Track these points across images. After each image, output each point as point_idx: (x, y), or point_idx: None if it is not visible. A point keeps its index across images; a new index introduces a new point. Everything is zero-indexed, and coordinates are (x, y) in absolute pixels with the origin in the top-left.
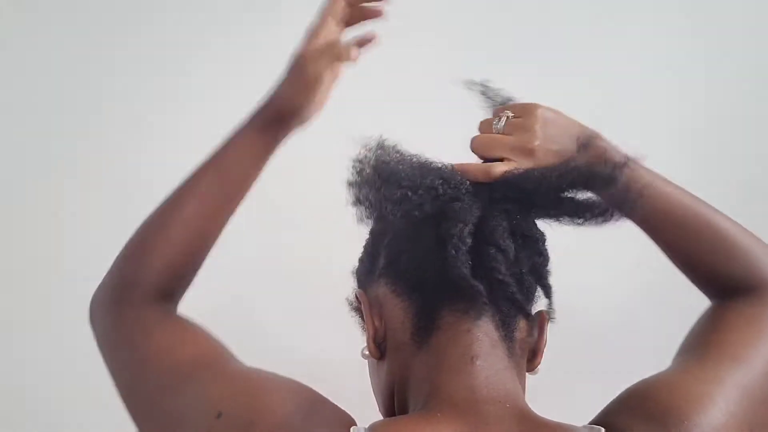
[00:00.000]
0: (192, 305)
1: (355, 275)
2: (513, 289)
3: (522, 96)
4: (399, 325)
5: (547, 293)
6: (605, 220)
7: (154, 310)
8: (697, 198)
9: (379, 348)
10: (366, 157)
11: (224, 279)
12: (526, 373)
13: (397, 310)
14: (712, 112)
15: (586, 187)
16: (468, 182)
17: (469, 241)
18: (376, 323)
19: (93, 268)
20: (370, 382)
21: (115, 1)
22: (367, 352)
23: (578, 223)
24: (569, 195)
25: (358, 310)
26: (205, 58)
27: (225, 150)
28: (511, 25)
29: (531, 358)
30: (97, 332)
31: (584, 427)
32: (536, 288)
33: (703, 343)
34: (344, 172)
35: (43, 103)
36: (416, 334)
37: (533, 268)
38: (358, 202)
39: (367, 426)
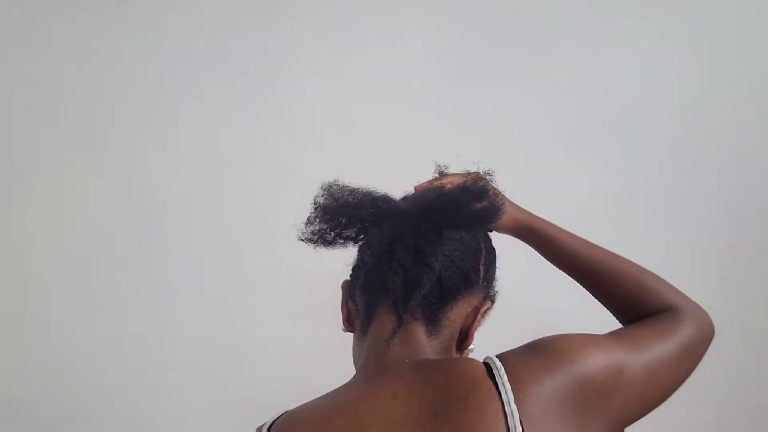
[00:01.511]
0: (193, 309)
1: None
2: (420, 291)
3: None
4: (356, 313)
5: (447, 295)
6: (481, 226)
7: None
8: (590, 243)
9: (350, 325)
10: (321, 193)
11: (225, 279)
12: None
13: (356, 299)
14: (710, 114)
15: (465, 202)
16: (395, 210)
17: (369, 260)
18: (350, 306)
19: (92, 267)
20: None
21: (115, 2)
22: (343, 327)
23: (471, 229)
24: (460, 210)
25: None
26: (206, 58)
27: None
28: (502, 27)
29: (463, 339)
30: None
31: (485, 358)
32: (465, 286)
33: (614, 331)
34: (343, 173)
35: (43, 102)
36: (362, 323)
37: (440, 274)
38: (314, 224)
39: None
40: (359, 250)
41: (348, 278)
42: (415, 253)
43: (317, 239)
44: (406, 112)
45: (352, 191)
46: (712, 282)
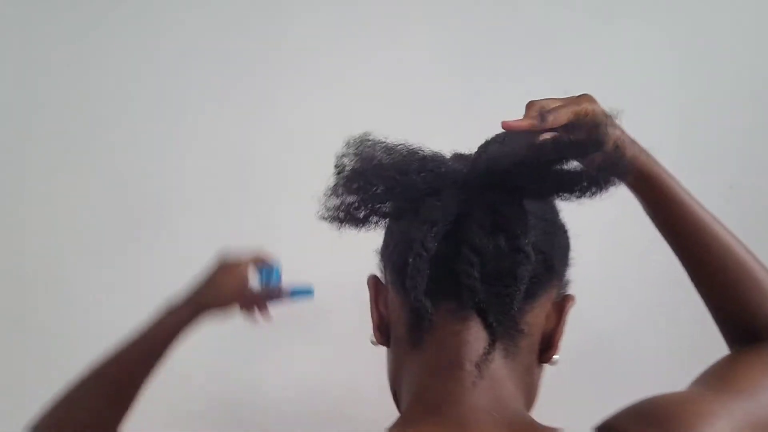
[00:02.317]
0: None
1: (378, 257)
2: (497, 289)
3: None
4: (397, 319)
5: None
6: (599, 188)
7: None
8: (714, 217)
9: (384, 335)
10: (348, 152)
11: None
12: (544, 365)
13: (395, 303)
14: (707, 115)
15: (571, 154)
16: (456, 172)
17: (433, 245)
18: (382, 310)
19: (91, 266)
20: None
21: (120, 4)
22: (373, 339)
23: (572, 197)
24: (556, 168)
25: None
26: (206, 58)
27: (152, 329)
28: (505, 27)
29: (545, 348)
30: None
31: None
32: (548, 278)
33: (717, 377)
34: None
35: (43, 102)
36: (410, 331)
37: (515, 262)
38: (340, 196)
39: None
40: (401, 231)
41: (376, 272)
42: (495, 233)
43: (344, 217)
44: (407, 112)
45: (390, 149)
46: None
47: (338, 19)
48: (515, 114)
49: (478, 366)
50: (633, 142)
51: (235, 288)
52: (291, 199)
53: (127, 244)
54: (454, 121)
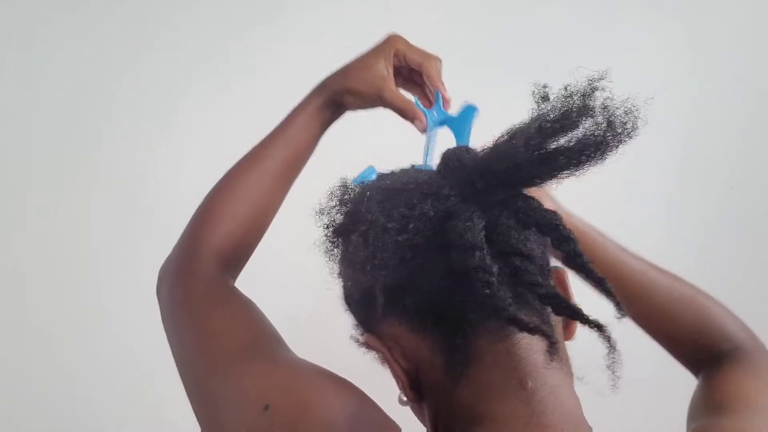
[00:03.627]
0: None
1: (351, 314)
2: (545, 290)
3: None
4: (428, 365)
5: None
6: (605, 150)
7: (220, 284)
8: (640, 257)
9: (416, 390)
10: (349, 195)
11: None
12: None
13: (422, 349)
14: (705, 115)
15: (566, 125)
16: (448, 186)
17: (495, 267)
18: (404, 365)
19: (97, 267)
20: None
21: (122, 2)
22: (405, 398)
23: (579, 170)
24: (553, 147)
25: (371, 349)
26: (210, 60)
27: (290, 122)
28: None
29: (565, 326)
30: (163, 303)
31: None
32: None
33: (716, 403)
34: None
35: (48, 102)
36: (450, 370)
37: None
38: (339, 238)
39: None
40: (397, 275)
41: (364, 332)
42: (528, 230)
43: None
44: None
45: (378, 199)
46: (713, 282)
47: (337, 19)
48: (516, 112)
49: (538, 380)
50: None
51: (378, 72)
52: (291, 199)
53: (128, 244)
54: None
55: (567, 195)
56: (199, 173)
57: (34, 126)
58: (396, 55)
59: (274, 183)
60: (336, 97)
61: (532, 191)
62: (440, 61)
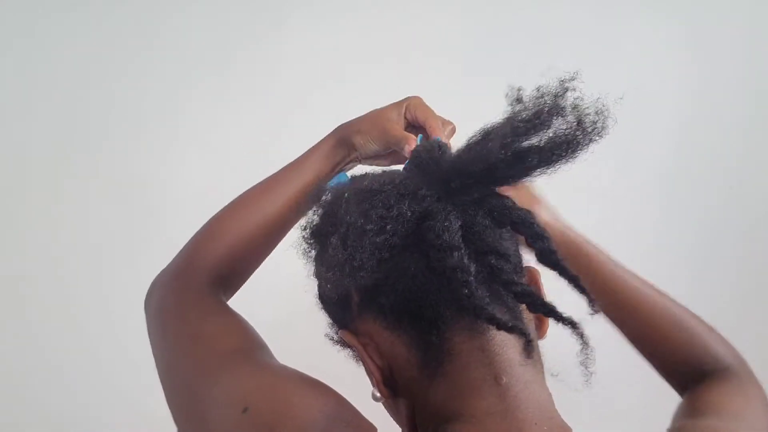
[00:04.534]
0: None
1: (325, 313)
2: (520, 289)
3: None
4: (403, 362)
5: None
6: (575, 149)
7: (212, 298)
8: (633, 273)
9: (390, 387)
10: (325, 201)
11: None
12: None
13: (397, 346)
14: (705, 115)
15: (537, 125)
16: (424, 186)
17: (472, 266)
18: (378, 362)
19: (97, 267)
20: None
21: (121, 4)
22: (378, 394)
23: (551, 168)
24: (526, 146)
25: (346, 346)
26: (211, 60)
27: (304, 158)
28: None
29: (538, 325)
30: (152, 309)
31: None
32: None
33: (698, 410)
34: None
35: (48, 102)
36: (425, 367)
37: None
38: (316, 240)
39: None
40: (397, 269)
41: (339, 329)
42: (502, 228)
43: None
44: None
45: (353, 206)
46: (712, 282)
47: (338, 19)
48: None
49: (513, 376)
50: (547, 207)
51: (387, 116)
52: None
53: (128, 245)
54: (457, 120)
55: (567, 197)
56: (199, 173)
57: (34, 126)
58: (408, 109)
59: (281, 211)
60: (347, 138)
61: (534, 202)
62: (452, 125)
